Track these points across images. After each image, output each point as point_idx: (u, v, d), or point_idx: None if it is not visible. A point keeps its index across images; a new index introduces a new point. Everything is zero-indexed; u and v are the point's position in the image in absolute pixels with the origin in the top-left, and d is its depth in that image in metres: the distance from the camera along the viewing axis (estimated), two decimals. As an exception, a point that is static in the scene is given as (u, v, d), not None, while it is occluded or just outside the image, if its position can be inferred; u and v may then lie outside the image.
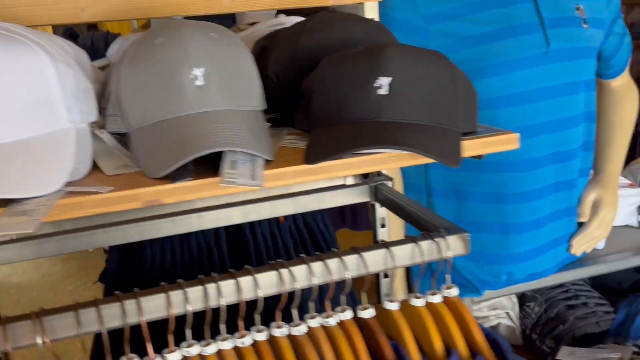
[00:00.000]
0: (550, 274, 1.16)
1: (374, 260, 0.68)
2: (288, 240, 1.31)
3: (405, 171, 1.16)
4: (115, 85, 0.64)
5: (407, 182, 1.17)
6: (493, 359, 0.69)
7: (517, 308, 1.34)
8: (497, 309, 1.30)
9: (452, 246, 0.71)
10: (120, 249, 1.25)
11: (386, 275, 1.04)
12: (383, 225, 1.02)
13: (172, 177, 0.54)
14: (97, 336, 0.95)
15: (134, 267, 1.22)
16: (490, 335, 0.71)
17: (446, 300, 0.74)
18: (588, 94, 1.09)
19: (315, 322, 0.68)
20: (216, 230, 1.29)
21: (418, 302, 0.72)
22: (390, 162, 0.59)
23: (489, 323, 1.29)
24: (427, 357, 0.69)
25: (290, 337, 0.67)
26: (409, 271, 1.21)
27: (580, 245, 1.16)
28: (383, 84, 0.59)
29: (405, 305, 0.73)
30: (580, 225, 1.17)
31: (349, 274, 0.66)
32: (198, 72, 0.60)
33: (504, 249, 1.09)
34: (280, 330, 0.67)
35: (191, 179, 0.54)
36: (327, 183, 1.01)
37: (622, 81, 1.26)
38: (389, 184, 0.97)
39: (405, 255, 0.69)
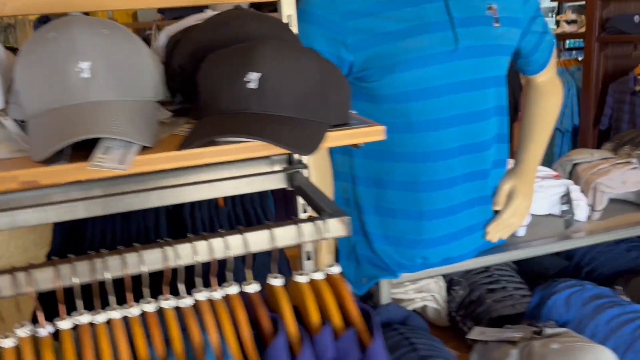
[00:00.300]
0: (469, 258, 1.23)
1: (256, 240, 0.74)
2: (225, 225, 1.38)
3: (334, 161, 1.23)
4: (14, 76, 0.70)
5: (336, 171, 1.23)
6: (363, 329, 0.75)
7: (444, 292, 1.41)
8: (423, 292, 1.37)
9: (332, 228, 0.77)
10: (64, 229, 1.31)
11: (308, 258, 1.11)
12: (305, 211, 1.09)
13: (49, 160, 0.60)
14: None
15: (74, 246, 1.29)
16: (364, 309, 0.78)
17: (328, 278, 0.80)
18: (498, 89, 1.15)
19: (202, 295, 0.75)
20: (157, 214, 1.36)
21: (301, 279, 0.79)
22: (251, 151, 0.65)
23: (414, 305, 1.36)
24: (306, 328, 0.76)
25: (178, 309, 0.74)
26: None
27: (495, 232, 1.23)
28: (252, 78, 0.65)
29: (291, 281, 0.80)
30: (497, 213, 1.24)
31: (231, 253, 0.73)
32: (84, 65, 0.66)
33: (419, 235, 1.16)
34: (167, 303, 0.73)
35: (66, 163, 0.60)
36: (251, 170, 1.07)
37: (546, 77, 1.32)
38: (305, 172, 1.03)
39: (287, 236, 0.76)
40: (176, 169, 0.99)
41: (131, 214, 1.33)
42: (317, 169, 1.18)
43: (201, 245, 0.72)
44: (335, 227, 0.77)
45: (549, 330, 1.08)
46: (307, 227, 0.76)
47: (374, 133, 0.71)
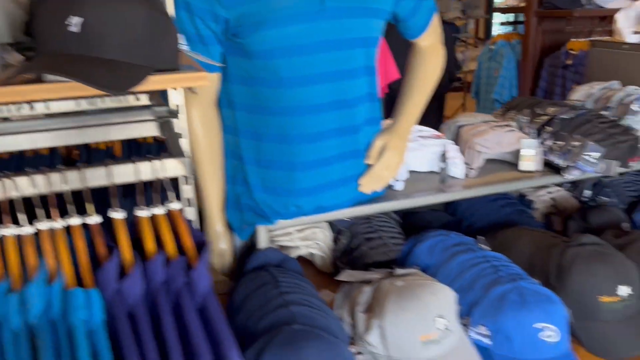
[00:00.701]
0: (344, 208, 1.33)
1: (94, 175, 0.81)
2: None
3: (222, 114, 1.30)
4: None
5: (223, 124, 1.30)
6: (194, 258, 0.84)
7: (329, 240, 1.52)
8: (309, 240, 1.47)
9: (169, 168, 0.85)
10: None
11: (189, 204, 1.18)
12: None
13: None
14: None
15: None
16: (201, 241, 0.87)
17: (169, 213, 0.88)
18: (367, 49, 1.23)
19: (43, 225, 0.82)
20: (52, 156, 1.41)
21: (142, 214, 0.87)
22: (67, 90, 0.71)
23: (299, 252, 1.46)
24: (142, 257, 0.84)
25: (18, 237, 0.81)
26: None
27: (368, 184, 1.33)
28: (73, 22, 0.71)
29: (135, 216, 0.88)
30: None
31: (67, 187, 0.80)
32: None
33: (292, 184, 1.25)
34: (7, 231, 0.80)
35: None
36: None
37: (427, 42, 1.40)
38: (175, 121, 1.10)
39: (125, 173, 0.83)
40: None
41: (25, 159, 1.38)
42: (204, 123, 1.25)
43: (39, 179, 0.79)
44: (173, 167, 0.85)
45: (399, 271, 1.20)
46: (144, 166, 0.84)
47: (196, 79, 0.78)
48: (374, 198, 1.39)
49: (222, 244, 1.37)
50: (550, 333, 1.08)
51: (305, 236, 1.48)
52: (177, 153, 0.88)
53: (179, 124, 1.08)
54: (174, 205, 0.88)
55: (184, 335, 0.76)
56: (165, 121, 1.09)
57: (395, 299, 1.10)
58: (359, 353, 1.17)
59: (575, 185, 1.85)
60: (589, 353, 1.15)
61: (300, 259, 1.54)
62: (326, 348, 0.97)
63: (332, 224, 1.57)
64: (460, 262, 1.26)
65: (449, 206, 1.73)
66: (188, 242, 0.85)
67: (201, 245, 0.86)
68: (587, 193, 1.81)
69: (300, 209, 1.28)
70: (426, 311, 1.07)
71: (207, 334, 0.78)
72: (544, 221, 1.74)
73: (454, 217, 1.68)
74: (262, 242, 1.30)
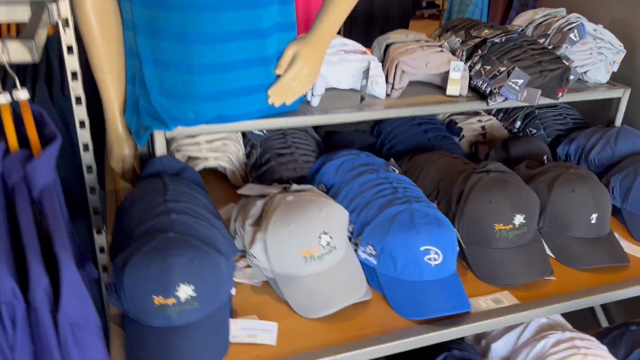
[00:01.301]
0: (249, 119, 1.26)
1: None
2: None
3: (121, 7, 1.19)
4: None
5: (123, 19, 1.20)
6: (37, 147, 0.78)
7: (241, 154, 1.46)
8: (218, 152, 1.42)
9: (12, 51, 0.76)
10: None
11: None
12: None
13: None
14: None
15: None
16: (53, 136, 0.80)
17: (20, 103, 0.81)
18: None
19: None
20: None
21: (-18, 101, 0.79)
22: None
23: (206, 163, 1.40)
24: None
25: None
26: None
27: (276, 96, 1.25)
28: None
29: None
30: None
31: None
32: None
33: (190, 88, 1.17)
34: None
35: None
36: None
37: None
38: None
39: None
40: None
41: None
42: (97, 12, 1.14)
43: None
44: (17, 50, 0.76)
45: (295, 187, 1.16)
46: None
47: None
48: (286, 112, 1.32)
49: (124, 148, 1.30)
50: (434, 256, 1.07)
51: (215, 148, 1.42)
52: (27, 35, 0.79)
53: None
54: (21, 95, 0.80)
55: (16, 232, 0.72)
56: (40, 4, 0.99)
57: (281, 213, 1.06)
58: (248, 267, 1.15)
59: (507, 116, 1.82)
60: (476, 278, 1.15)
61: (214, 172, 1.50)
62: (197, 259, 0.94)
63: (247, 138, 1.51)
64: (362, 182, 1.23)
65: (374, 128, 1.68)
66: (33, 135, 0.79)
67: (52, 140, 0.79)
68: (518, 124, 1.78)
69: (199, 116, 1.21)
70: (310, 227, 1.04)
71: (40, 232, 0.73)
72: (470, 150, 1.71)
73: (377, 139, 1.64)
74: (159, 149, 1.24)
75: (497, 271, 1.14)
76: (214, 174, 1.50)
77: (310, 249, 1.04)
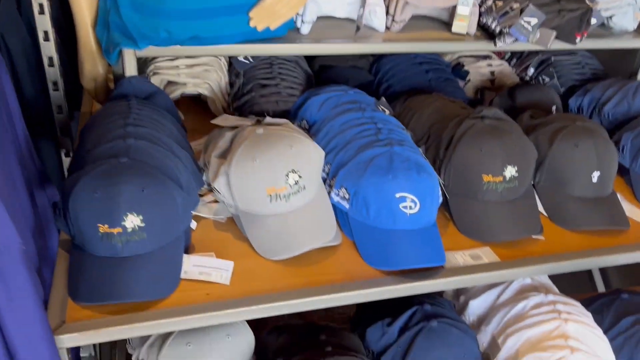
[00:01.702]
0: (227, 43, 1.16)
1: None
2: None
3: None
4: None
5: None
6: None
7: (223, 82, 1.37)
8: (198, 79, 1.32)
9: None
10: None
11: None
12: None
13: None
14: None
15: None
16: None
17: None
18: None
19: None
20: None
21: None
22: None
23: (184, 89, 1.31)
24: None
25: None
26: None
27: (259, 19, 1.14)
28: None
29: None
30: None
31: None
32: None
33: (161, 3, 1.06)
34: None
35: None
36: None
37: None
38: None
39: None
40: None
41: None
42: None
43: None
44: None
45: (269, 120, 1.07)
46: None
47: None
48: (272, 38, 1.21)
49: (97, 67, 1.22)
50: (411, 204, 0.98)
51: (195, 74, 1.32)
52: None
53: None
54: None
55: None
56: None
57: (248, 147, 0.98)
58: (215, 202, 1.08)
59: (520, 61, 1.68)
60: (457, 232, 1.07)
61: (197, 101, 1.41)
62: (149, 188, 0.87)
63: (232, 66, 1.41)
64: (344, 120, 1.13)
65: (373, 66, 1.56)
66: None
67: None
68: (531, 71, 1.64)
69: (172, 36, 1.10)
70: (277, 163, 0.96)
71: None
72: (476, 96, 1.59)
73: (375, 77, 1.52)
74: (129, 69, 1.14)
75: (480, 225, 1.05)
76: (196, 103, 1.42)
77: (276, 186, 0.96)
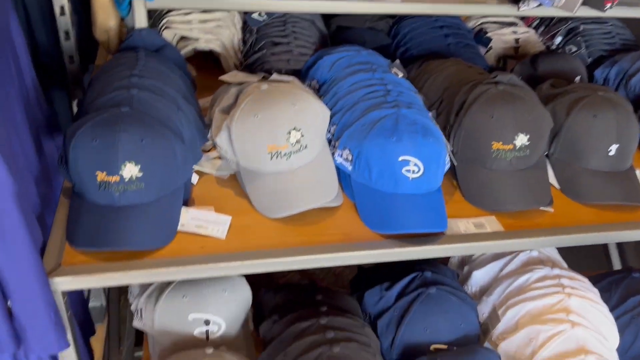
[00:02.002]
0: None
1: None
2: None
3: None
4: None
5: None
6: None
7: (236, 40, 1.35)
8: (211, 35, 1.30)
9: None
10: None
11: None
12: None
13: None
14: None
15: None
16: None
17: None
18: None
19: None
20: None
21: None
22: None
23: (196, 44, 1.29)
24: None
25: None
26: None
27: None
28: None
29: None
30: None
31: None
32: None
33: (171, -47, 1.05)
34: None
35: None
36: None
37: None
38: None
39: None
40: None
41: None
42: None
43: None
44: None
45: (275, 77, 1.05)
46: None
47: None
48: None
49: (109, 18, 1.21)
50: (414, 167, 0.95)
51: (208, 29, 1.31)
52: None
53: None
54: None
55: None
56: None
57: (251, 102, 0.96)
58: (219, 158, 1.08)
59: (547, 29, 1.60)
60: (464, 200, 1.04)
61: (210, 57, 1.39)
62: (148, 138, 0.86)
63: (247, 24, 1.38)
64: (354, 81, 1.10)
65: (392, 29, 1.51)
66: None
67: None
68: (558, 40, 1.57)
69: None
70: (279, 120, 0.94)
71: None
72: (498, 64, 1.53)
73: (393, 40, 1.48)
74: (139, 21, 1.13)
75: (487, 194, 1.02)
76: (209, 60, 1.40)
77: (277, 144, 0.95)
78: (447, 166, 1.04)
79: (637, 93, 1.32)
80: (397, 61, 1.21)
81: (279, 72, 1.25)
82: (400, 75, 1.19)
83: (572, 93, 1.14)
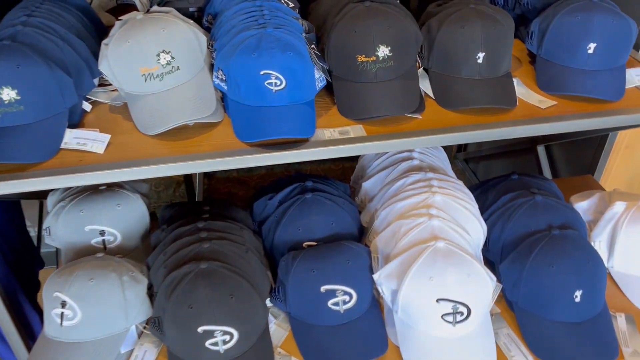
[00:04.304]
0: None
1: None
2: None
3: None
4: None
5: None
6: None
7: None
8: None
9: None
10: None
11: None
12: None
13: None
14: None
15: None
16: None
17: None
18: None
19: None
20: None
21: None
22: None
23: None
24: None
25: None
26: None
27: None
28: None
29: None
30: None
31: None
32: None
33: None
34: None
35: None
36: None
37: None
38: None
39: None
40: None
41: None
42: None
43: None
44: None
45: (155, 8, 1.13)
46: None
47: None
48: None
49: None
50: (276, 81, 1.03)
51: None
52: None
53: None
54: None
55: None
56: None
57: (124, 30, 1.06)
58: (116, 90, 1.17)
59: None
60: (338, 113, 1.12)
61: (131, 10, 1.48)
62: (24, 65, 0.97)
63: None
64: (236, 10, 1.17)
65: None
66: None
67: None
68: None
69: None
70: (147, 44, 1.03)
71: None
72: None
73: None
74: (39, -31, 1.23)
75: (355, 105, 1.10)
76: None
77: (148, 66, 1.04)
78: (322, 83, 1.11)
79: (530, 10, 1.35)
80: (292, -7, 1.28)
81: (179, 10, 1.34)
82: (291, 5, 1.26)
83: (449, 9, 1.20)
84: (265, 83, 1.04)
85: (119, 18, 1.20)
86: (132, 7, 1.44)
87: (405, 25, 1.12)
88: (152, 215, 1.29)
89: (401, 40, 1.11)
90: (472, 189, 1.23)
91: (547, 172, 1.80)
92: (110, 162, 0.99)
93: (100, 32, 1.31)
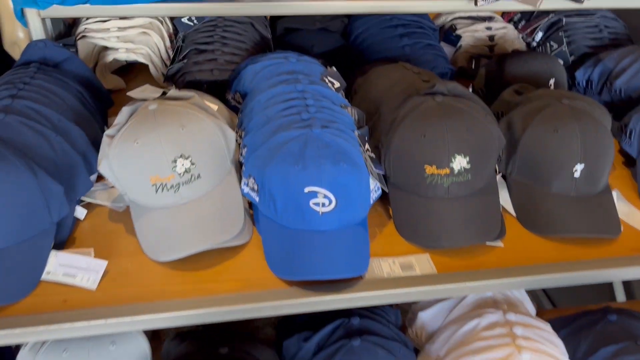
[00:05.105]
0: (152, 0, 1.00)
1: None
2: None
3: None
4: None
5: None
6: None
7: (163, 47, 1.21)
8: (132, 43, 1.17)
9: None
10: None
11: None
12: None
13: None
14: None
15: None
16: None
17: None
18: None
19: None
20: None
21: None
22: None
23: (116, 55, 1.16)
24: None
25: None
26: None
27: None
28: None
29: None
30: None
31: None
32: None
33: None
34: None
35: None
36: None
37: None
38: None
39: None
40: None
41: None
42: None
43: None
44: None
45: (172, 93, 0.90)
46: None
47: None
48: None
49: (17, 30, 1.10)
50: (324, 200, 0.80)
51: (129, 37, 1.18)
52: None
53: None
54: None
55: None
56: None
57: (134, 125, 0.83)
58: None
59: (528, 24, 1.42)
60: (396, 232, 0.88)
61: (143, 67, 1.26)
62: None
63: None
64: (273, 94, 0.95)
65: (347, 27, 1.35)
66: None
67: None
68: (539, 36, 1.38)
69: (75, -7, 0.96)
70: (161, 147, 0.80)
71: None
72: (469, 65, 1.35)
73: (346, 41, 1.32)
74: (35, 31, 1.01)
75: (421, 227, 0.86)
76: (145, 71, 1.27)
77: (160, 175, 0.81)
78: (378, 193, 0.88)
79: (622, 98, 1.13)
80: (333, 69, 1.06)
81: (201, 84, 1.12)
82: (336, 85, 1.03)
83: (534, 102, 0.97)
84: (311, 203, 0.80)
85: (129, 95, 0.99)
86: (143, 66, 1.22)
87: (488, 128, 0.89)
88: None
89: (482, 148, 0.88)
90: (555, 325, 0.98)
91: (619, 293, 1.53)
92: (104, 307, 0.75)
93: (105, 103, 1.09)
